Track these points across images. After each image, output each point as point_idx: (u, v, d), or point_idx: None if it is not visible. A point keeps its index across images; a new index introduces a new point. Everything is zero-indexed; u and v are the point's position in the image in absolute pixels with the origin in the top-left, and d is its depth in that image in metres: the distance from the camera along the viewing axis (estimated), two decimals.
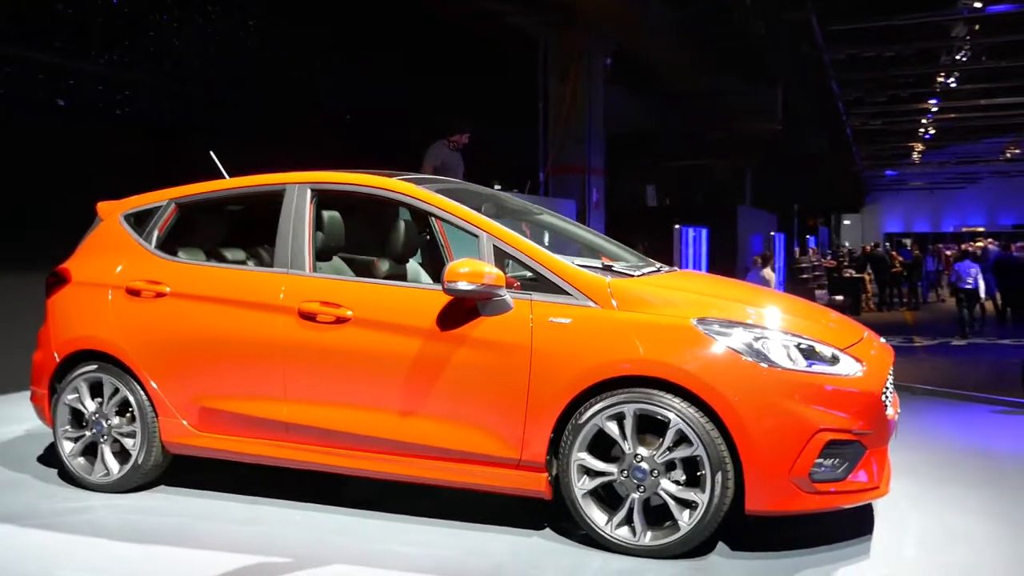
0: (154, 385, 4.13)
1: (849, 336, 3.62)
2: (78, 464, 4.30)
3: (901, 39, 18.71)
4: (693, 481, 3.29)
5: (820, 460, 3.23)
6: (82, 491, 4.26)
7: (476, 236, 3.71)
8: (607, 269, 3.82)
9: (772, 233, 19.47)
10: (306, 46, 9.81)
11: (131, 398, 4.17)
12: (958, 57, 20.71)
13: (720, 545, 3.40)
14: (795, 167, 23.54)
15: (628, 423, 3.32)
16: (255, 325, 3.92)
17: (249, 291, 4.00)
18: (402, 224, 4.48)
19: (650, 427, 3.34)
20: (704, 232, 14.08)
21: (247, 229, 4.96)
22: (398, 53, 10.77)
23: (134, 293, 4.23)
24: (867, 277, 21.33)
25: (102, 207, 4.65)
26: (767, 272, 13.14)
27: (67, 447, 4.32)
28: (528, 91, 10.91)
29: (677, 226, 12.60)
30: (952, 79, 22.87)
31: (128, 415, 4.23)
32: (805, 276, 21.44)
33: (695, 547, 3.30)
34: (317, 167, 4.34)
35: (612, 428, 3.35)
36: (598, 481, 3.39)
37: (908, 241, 35.67)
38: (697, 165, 19.19)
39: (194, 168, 7.96)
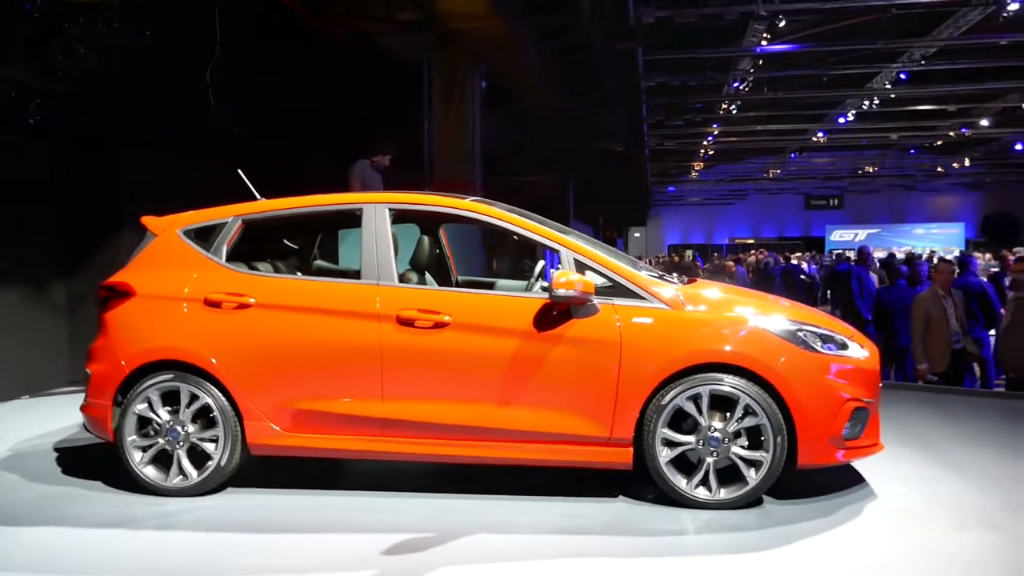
0: (240, 391, 4.39)
1: (847, 329, 4.61)
2: (149, 472, 4.46)
3: (702, 69, 21.09)
4: (755, 445, 4.13)
5: (847, 423, 4.17)
6: (155, 497, 4.41)
7: (557, 251, 4.37)
8: (660, 278, 4.58)
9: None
10: (196, 59, 9.77)
11: (213, 404, 4.40)
12: (742, 87, 23.55)
13: (767, 497, 4.25)
14: (606, 183, 25.39)
15: (704, 402, 4.11)
16: (352, 332, 4.32)
17: (343, 301, 4.39)
18: (425, 240, 5.05)
19: (715, 404, 4.15)
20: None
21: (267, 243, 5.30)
22: (291, 70, 10.96)
23: (214, 304, 4.47)
24: None
25: (152, 222, 4.80)
26: None
27: (136, 456, 4.45)
28: (414, 110, 11.45)
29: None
30: (734, 107, 25.83)
31: (202, 421, 4.46)
32: None
33: (756, 498, 4.15)
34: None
35: (690, 407, 4.12)
36: (677, 451, 4.15)
37: (689, 252, 39.12)
38: (526, 181, 20.34)
39: (109, 178, 7.87)
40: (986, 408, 6.72)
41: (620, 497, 4.34)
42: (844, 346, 4.32)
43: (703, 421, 4.11)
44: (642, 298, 4.25)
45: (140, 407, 4.45)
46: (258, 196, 5.03)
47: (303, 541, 3.84)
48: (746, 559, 3.56)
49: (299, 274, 5.04)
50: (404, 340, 4.28)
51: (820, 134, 30.01)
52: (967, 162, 34.01)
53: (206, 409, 4.43)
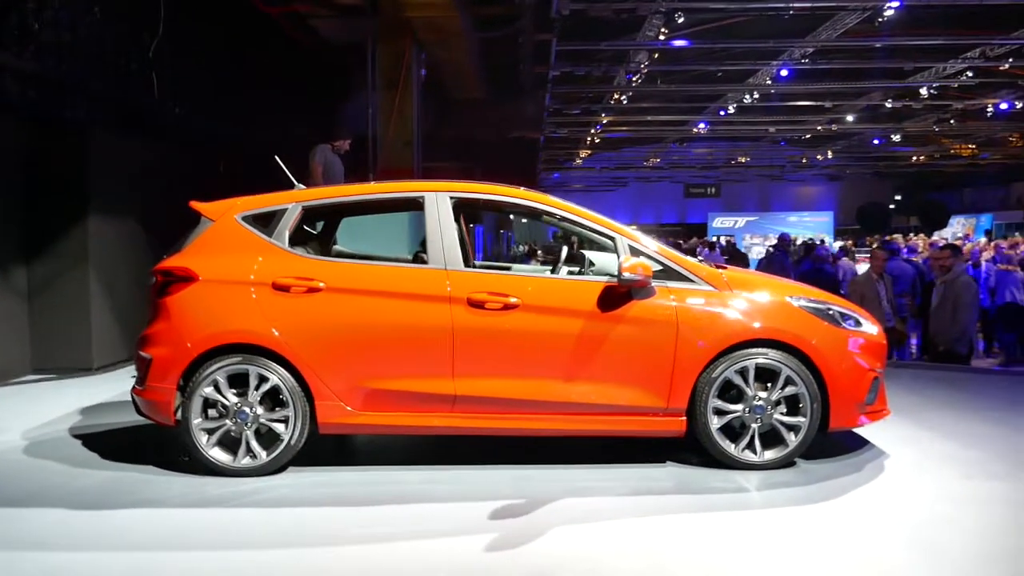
0: (311, 372, 4.52)
1: (857, 308, 5.17)
2: (216, 453, 4.54)
3: (601, 60, 21.85)
4: (792, 411, 4.62)
5: (868, 391, 4.74)
6: (224, 478, 4.49)
7: (612, 239, 4.73)
8: (702, 263, 5.00)
9: (501, 231, 21.62)
10: (140, 37, 9.53)
11: (283, 385, 4.52)
12: (634, 79, 24.47)
13: (798, 459, 4.76)
14: (504, 170, 25.90)
15: (750, 374, 4.57)
16: (423, 314, 4.54)
17: (414, 285, 4.60)
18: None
19: (757, 376, 4.61)
20: (480, 229, 15.62)
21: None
22: (238, 53, 10.79)
23: (283, 289, 4.58)
24: None
25: (206, 208, 4.82)
26: None
27: (203, 438, 4.53)
28: (359, 96, 11.50)
29: (471, 225, 13.98)
30: (624, 97, 26.77)
31: (268, 402, 4.57)
32: None
33: (792, 460, 4.66)
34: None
35: (737, 379, 4.58)
36: (726, 419, 4.60)
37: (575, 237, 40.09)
38: (436, 167, 20.56)
39: (69, 159, 7.67)
40: (927, 378, 7.57)
41: (668, 463, 4.76)
42: (859, 323, 4.88)
43: (749, 391, 4.58)
44: (692, 281, 4.67)
45: (207, 390, 4.51)
46: (297, 183, 5.14)
47: (400, 512, 4.05)
48: (809, 509, 4.05)
49: (328, 258, 5.18)
50: (475, 321, 4.53)
51: (702, 125, 31.43)
52: (830, 154, 36.40)
53: (274, 390, 4.54)
